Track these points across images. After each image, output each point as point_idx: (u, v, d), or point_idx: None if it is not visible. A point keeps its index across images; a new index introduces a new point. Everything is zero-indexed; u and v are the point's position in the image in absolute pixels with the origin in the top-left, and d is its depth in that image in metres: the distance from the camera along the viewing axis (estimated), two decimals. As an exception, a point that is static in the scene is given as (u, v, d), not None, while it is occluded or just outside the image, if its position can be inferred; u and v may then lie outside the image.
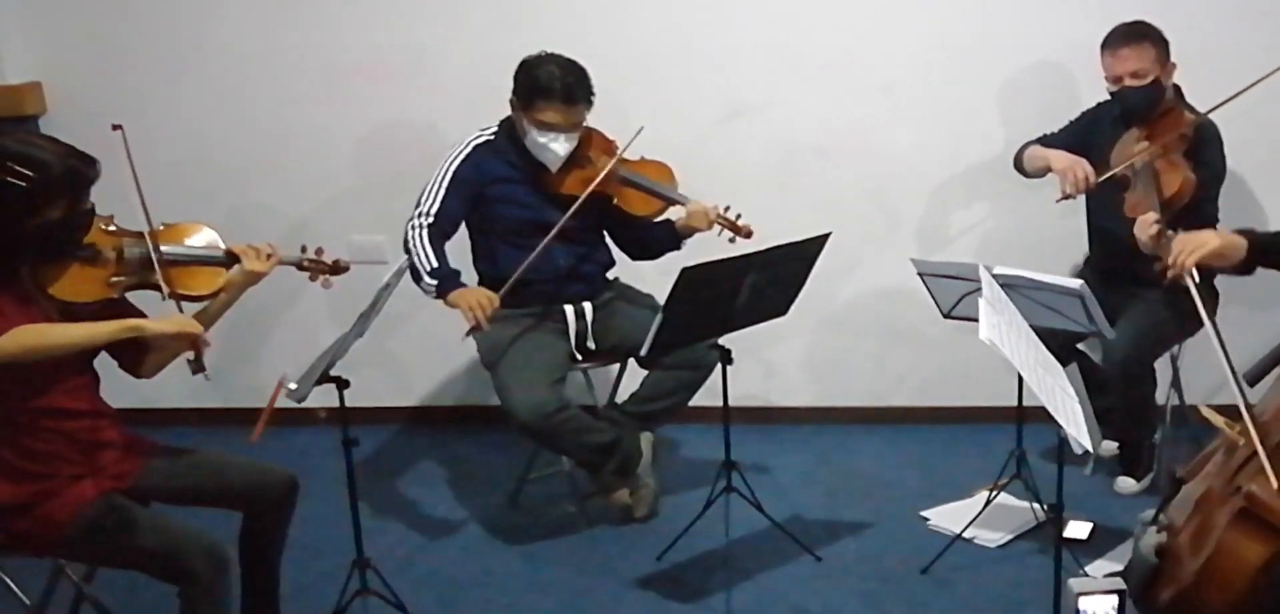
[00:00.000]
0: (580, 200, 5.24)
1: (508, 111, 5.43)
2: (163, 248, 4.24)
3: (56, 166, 3.82)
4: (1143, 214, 4.84)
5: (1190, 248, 3.79)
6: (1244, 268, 3.82)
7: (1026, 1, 6.00)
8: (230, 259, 4.40)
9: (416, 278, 5.24)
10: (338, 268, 4.76)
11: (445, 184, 5.33)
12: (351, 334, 4.39)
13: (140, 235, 4.23)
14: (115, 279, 4.13)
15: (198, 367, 4.08)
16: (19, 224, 3.80)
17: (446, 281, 5.22)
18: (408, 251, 5.25)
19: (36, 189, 3.78)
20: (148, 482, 4.20)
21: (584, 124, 5.37)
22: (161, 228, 4.31)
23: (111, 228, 4.20)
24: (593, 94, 5.31)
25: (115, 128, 4.33)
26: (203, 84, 6.46)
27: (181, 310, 4.14)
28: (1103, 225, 5.61)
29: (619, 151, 5.38)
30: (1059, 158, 5.44)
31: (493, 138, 5.43)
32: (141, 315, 4.09)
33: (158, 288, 4.18)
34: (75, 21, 6.43)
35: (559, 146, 5.30)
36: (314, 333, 6.18)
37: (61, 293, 3.97)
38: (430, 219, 5.28)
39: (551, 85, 5.22)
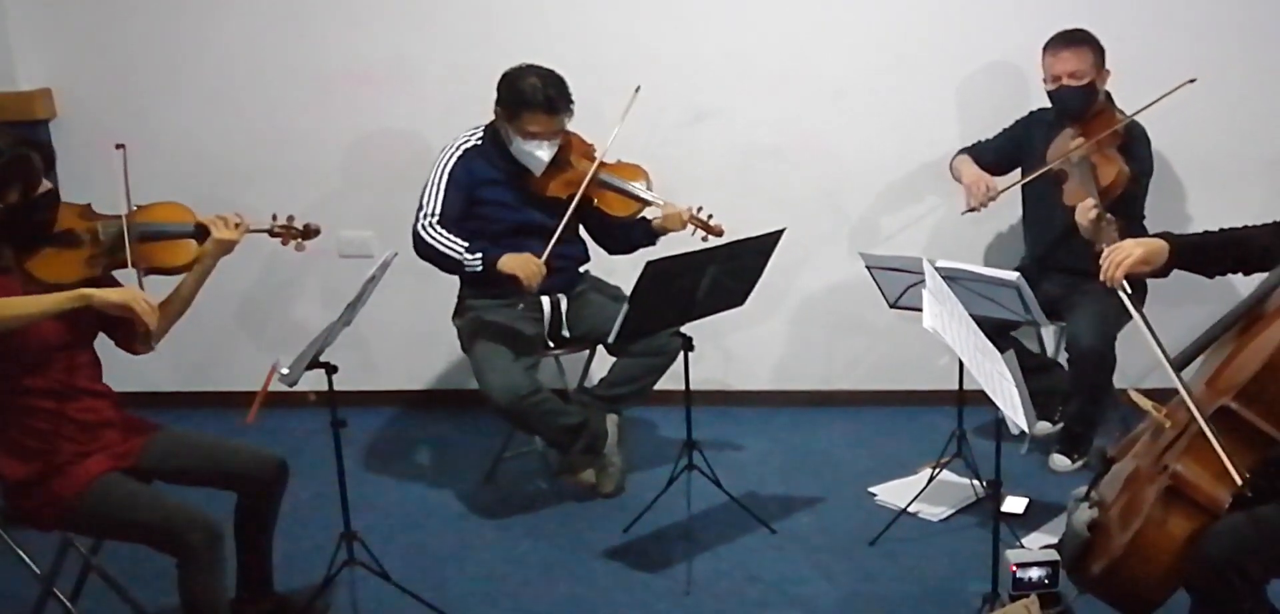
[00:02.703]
0: (571, 208, 5.25)
1: (489, 117, 5.38)
2: (137, 226, 4.25)
3: (4, 153, 3.80)
4: (1082, 201, 4.86)
5: (1117, 260, 3.75)
6: (1164, 271, 3.79)
7: (970, 13, 5.98)
8: (201, 231, 4.37)
9: (453, 266, 5.27)
10: (309, 232, 4.73)
11: (444, 184, 5.28)
12: (339, 323, 4.35)
13: (115, 218, 4.23)
14: (93, 259, 4.12)
15: (145, 339, 4.04)
16: None
17: (489, 252, 5.21)
18: (427, 248, 5.24)
19: None
20: (149, 461, 4.19)
21: (565, 129, 5.35)
22: (136, 209, 4.30)
23: (86, 212, 4.21)
24: (572, 102, 5.28)
25: (118, 147, 4.31)
26: (201, 90, 6.41)
27: (143, 286, 4.08)
28: (1040, 219, 5.65)
29: (600, 154, 5.38)
30: (966, 174, 5.55)
31: (479, 142, 5.38)
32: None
33: (132, 265, 4.17)
34: (83, 32, 6.38)
35: (543, 153, 5.29)
36: (304, 322, 6.16)
37: (45, 275, 3.95)
38: (436, 215, 5.25)
39: (535, 97, 5.19)
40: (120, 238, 4.18)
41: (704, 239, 5.29)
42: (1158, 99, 5.06)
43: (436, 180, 5.29)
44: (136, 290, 3.98)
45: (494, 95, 5.28)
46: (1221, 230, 3.86)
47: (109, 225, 4.21)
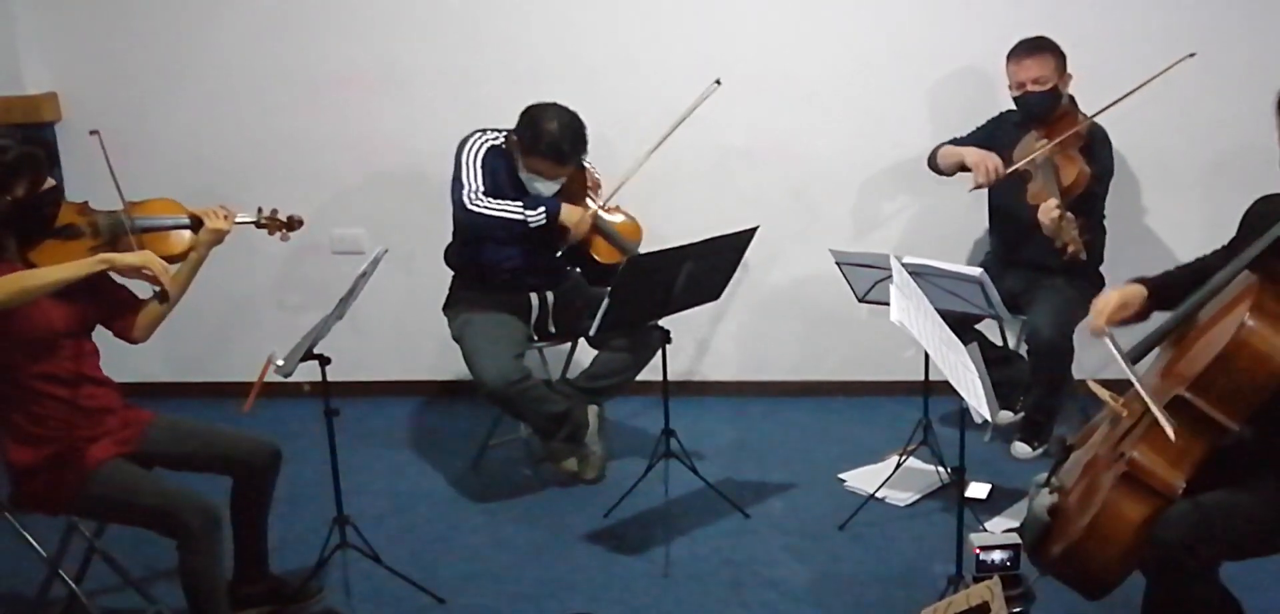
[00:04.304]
0: (569, 239, 5.29)
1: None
2: (134, 219, 4.31)
3: (12, 150, 3.83)
4: (1044, 201, 4.86)
5: (1099, 311, 3.76)
6: (1143, 313, 3.80)
7: (936, 20, 5.98)
8: (195, 222, 4.42)
9: (512, 226, 5.16)
10: (292, 223, 4.82)
11: (478, 165, 5.21)
12: (332, 316, 4.36)
13: (112, 212, 4.29)
14: (93, 250, 4.13)
15: (163, 296, 4.05)
16: None
17: (550, 206, 5.18)
18: (481, 219, 5.15)
19: None
20: (149, 448, 4.20)
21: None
22: (131, 205, 4.38)
23: (84, 209, 4.27)
24: (585, 152, 5.25)
25: (92, 133, 4.44)
26: (200, 94, 6.39)
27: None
28: (1004, 216, 5.63)
29: (605, 196, 5.41)
30: (971, 153, 5.47)
31: (499, 144, 5.32)
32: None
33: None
34: (87, 38, 6.37)
35: (545, 189, 5.25)
36: (298, 317, 6.13)
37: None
38: (480, 189, 5.17)
39: (547, 146, 5.13)
40: (118, 229, 4.24)
41: None
42: (1155, 76, 5.07)
43: (470, 163, 5.21)
44: (149, 252, 4.01)
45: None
46: (1181, 266, 3.85)
47: (108, 219, 4.28)
